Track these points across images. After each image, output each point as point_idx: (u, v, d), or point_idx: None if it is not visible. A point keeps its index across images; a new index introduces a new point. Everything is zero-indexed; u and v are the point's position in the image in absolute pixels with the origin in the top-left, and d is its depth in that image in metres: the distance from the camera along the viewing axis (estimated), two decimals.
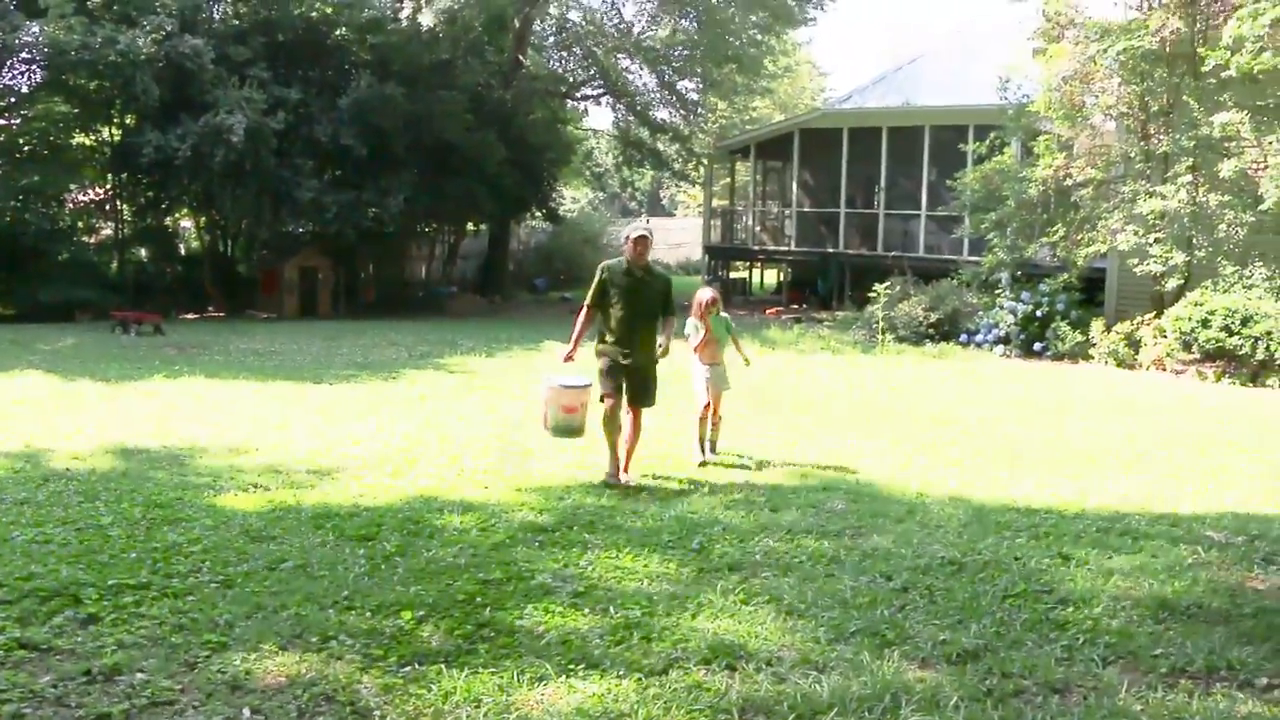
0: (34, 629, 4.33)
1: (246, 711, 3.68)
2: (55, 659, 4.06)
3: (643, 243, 7.84)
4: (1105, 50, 17.11)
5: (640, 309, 7.84)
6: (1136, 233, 17.16)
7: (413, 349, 18.15)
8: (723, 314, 9.31)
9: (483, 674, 4.00)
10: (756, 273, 35.69)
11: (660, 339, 7.95)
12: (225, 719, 3.61)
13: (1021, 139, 20.04)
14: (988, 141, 19.79)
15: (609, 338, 7.87)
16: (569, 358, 7.97)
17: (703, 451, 8.89)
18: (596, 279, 7.93)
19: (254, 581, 5.10)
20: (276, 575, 5.21)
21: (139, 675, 3.93)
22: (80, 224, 27.85)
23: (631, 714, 3.70)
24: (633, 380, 7.85)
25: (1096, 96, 18.43)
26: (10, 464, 7.69)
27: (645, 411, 8.09)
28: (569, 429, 8.09)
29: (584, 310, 8.03)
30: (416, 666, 4.09)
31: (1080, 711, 3.84)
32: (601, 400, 7.83)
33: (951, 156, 22.37)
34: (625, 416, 7.90)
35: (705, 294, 9.27)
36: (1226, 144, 16.24)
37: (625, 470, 7.89)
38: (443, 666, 4.07)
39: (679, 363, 9.46)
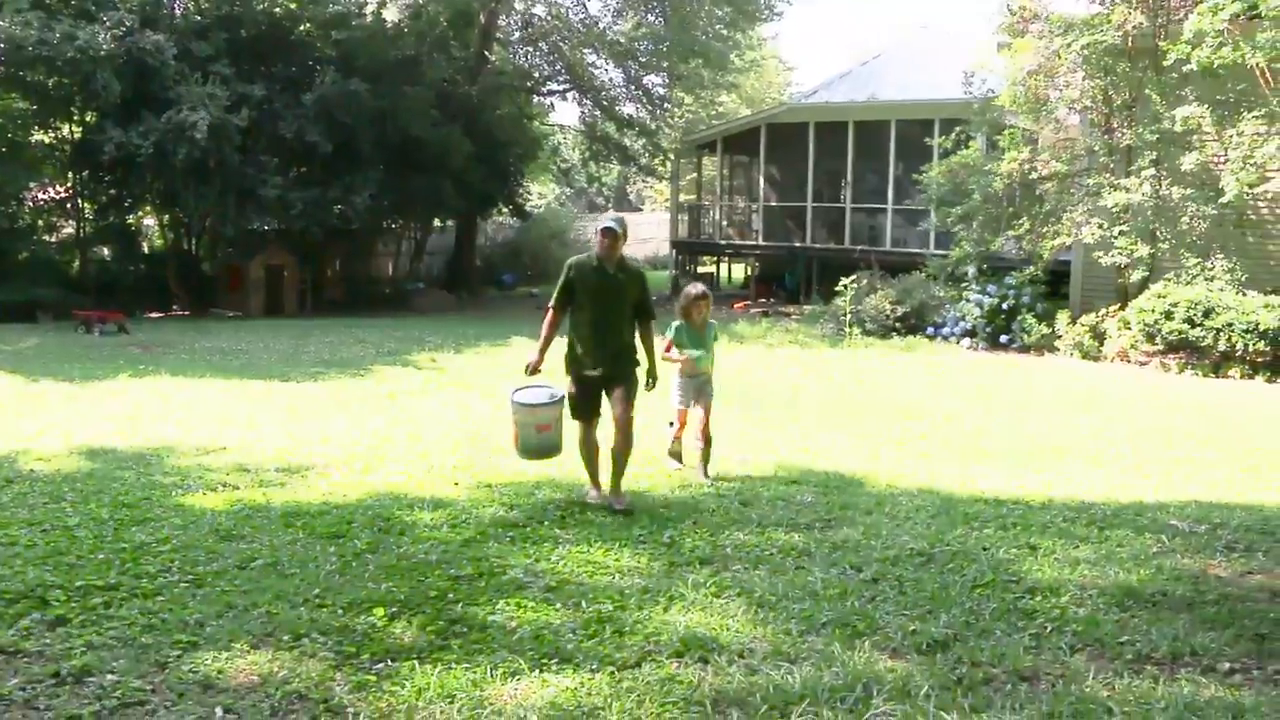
0: (1, 632, 4.29)
1: (219, 711, 3.66)
2: (23, 661, 4.02)
3: (612, 236, 6.83)
4: (1069, 44, 17.29)
5: (611, 312, 6.85)
6: (1101, 225, 17.35)
7: (380, 346, 18.08)
8: (711, 320, 8.22)
9: (455, 670, 4.00)
10: (724, 267, 35.76)
11: (639, 352, 6.99)
12: (198, 719, 3.59)
13: (986, 133, 20.22)
14: (953, 136, 19.94)
15: (577, 347, 6.91)
16: (534, 368, 6.87)
17: (677, 462, 8.27)
18: (562, 278, 6.96)
19: (224, 580, 5.07)
20: (247, 574, 5.19)
21: (109, 676, 3.90)
22: (40, 222, 27.52)
23: (605, 707, 3.71)
24: (609, 393, 6.90)
25: (1060, 90, 18.62)
26: None
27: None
28: (544, 449, 7.01)
29: (549, 313, 6.99)
30: (389, 663, 4.08)
31: (1049, 699, 3.88)
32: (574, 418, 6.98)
33: (917, 151, 22.52)
34: (605, 432, 7.00)
35: (694, 289, 8.24)
36: (1188, 138, 16.47)
37: (615, 490, 6.89)
38: (415, 663, 4.06)
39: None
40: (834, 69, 51.72)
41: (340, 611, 4.64)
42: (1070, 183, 18.63)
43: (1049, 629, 4.66)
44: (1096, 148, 18.07)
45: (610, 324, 6.87)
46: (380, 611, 4.62)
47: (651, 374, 7.03)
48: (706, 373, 8.06)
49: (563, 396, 6.96)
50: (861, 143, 25.76)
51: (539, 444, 6.95)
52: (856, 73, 29.76)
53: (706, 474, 7.90)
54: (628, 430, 6.86)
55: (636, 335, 7.00)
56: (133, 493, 6.93)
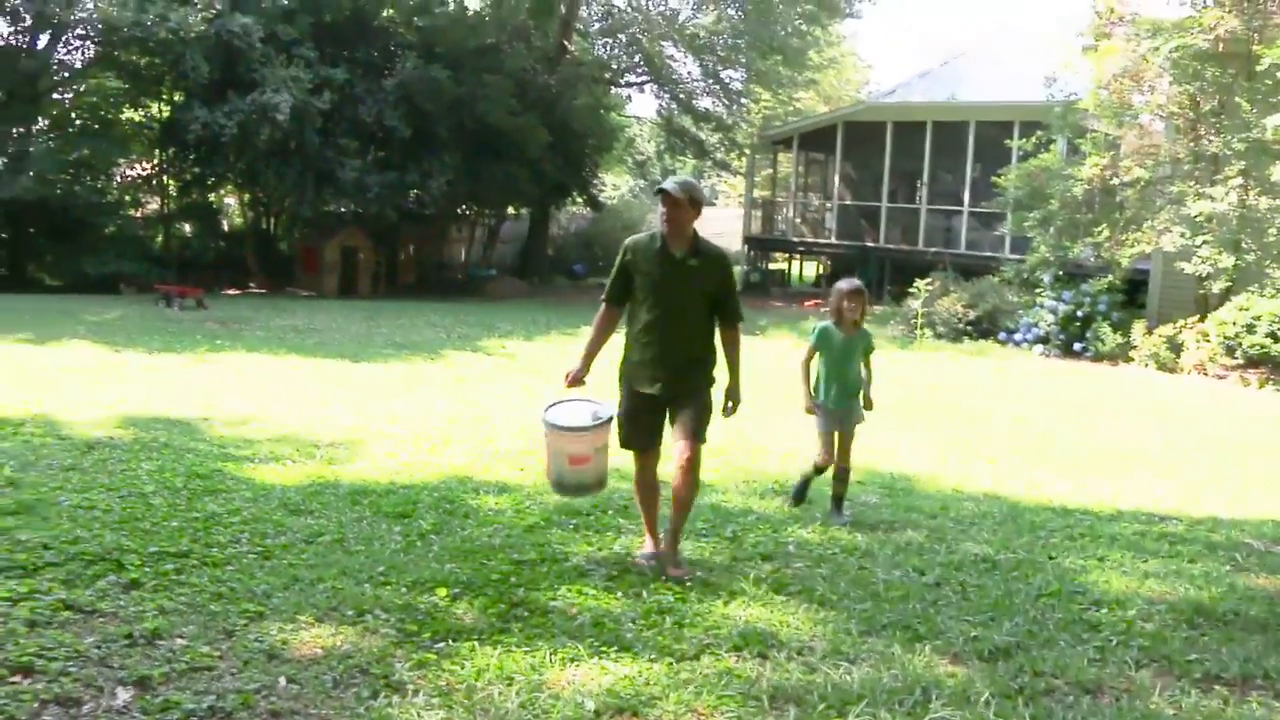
0: (79, 591, 4.40)
1: (283, 680, 3.72)
2: (99, 621, 4.13)
3: (671, 203, 5.13)
4: (1157, 48, 16.90)
5: (679, 309, 5.18)
6: (1183, 234, 16.97)
7: (451, 330, 18.25)
8: (865, 327, 6.76)
9: (515, 652, 4.03)
10: (796, 265, 35.59)
11: (713, 369, 5.32)
12: (262, 686, 3.66)
13: (1068, 137, 19.86)
14: (1033, 139, 19.62)
15: (633, 354, 5.31)
16: (576, 379, 5.27)
17: (801, 495, 6.80)
18: (617, 262, 5.33)
19: (291, 554, 5.16)
20: (313, 548, 5.27)
21: (179, 640, 3.99)
22: (128, 198, 28.20)
23: (662, 697, 3.72)
24: (673, 418, 5.27)
25: (1146, 95, 18.23)
26: (57, 431, 7.81)
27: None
28: (580, 485, 5.39)
29: (601, 311, 5.37)
30: (450, 643, 4.12)
31: (1112, 713, 3.82)
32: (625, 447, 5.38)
33: (996, 153, 22.21)
34: (670, 466, 5.28)
35: (847, 283, 6.66)
36: (1279, 147, 16.02)
37: (672, 548, 5.31)
38: (476, 644, 4.10)
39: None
40: (912, 68, 51.11)
41: (403, 590, 4.70)
42: (1153, 190, 18.24)
43: (1114, 642, 4.58)
44: (1182, 155, 17.67)
45: (677, 326, 5.17)
46: (443, 591, 4.67)
47: (733, 395, 5.32)
48: (856, 397, 6.61)
49: (610, 419, 5.31)
50: (939, 143, 25.46)
51: (574, 479, 5.30)
52: (935, 73, 29.42)
53: (841, 510, 6.62)
54: (691, 470, 5.18)
55: (717, 340, 5.37)
56: (206, 464, 7.07)
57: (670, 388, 5.19)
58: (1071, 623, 4.82)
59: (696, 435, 5.17)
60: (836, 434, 6.53)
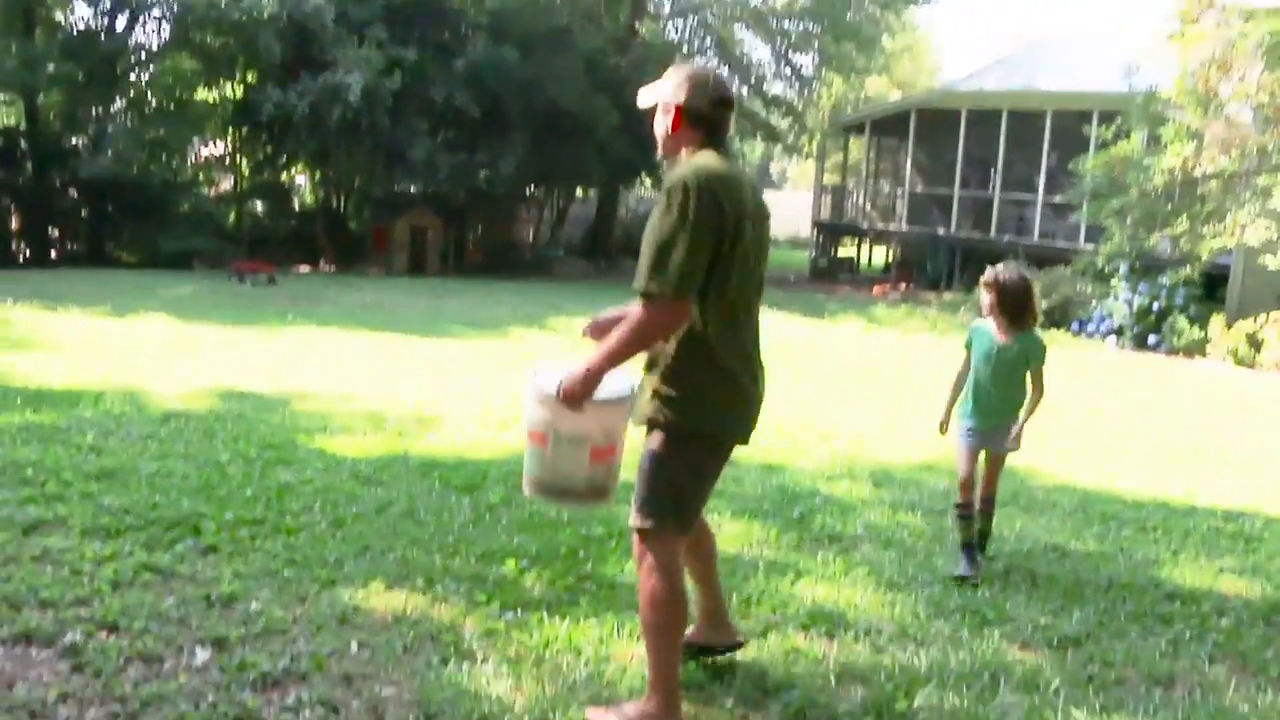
0: (159, 554, 4.51)
1: (354, 645, 3.78)
2: (177, 583, 4.23)
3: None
4: (1247, 35, 16.46)
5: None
6: (1268, 227, 16.55)
7: (518, 309, 18.37)
8: (1036, 331, 5.27)
9: (583, 624, 4.06)
10: (865, 251, 35.30)
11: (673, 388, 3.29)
12: (334, 650, 3.72)
13: (1148, 126, 19.43)
14: (1112, 127, 19.23)
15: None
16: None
17: (971, 560, 5.12)
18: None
19: (363, 523, 5.24)
20: (384, 518, 5.35)
21: (254, 604, 4.07)
22: (201, 176, 28.77)
23: (729, 672, 3.73)
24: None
25: (1234, 84, 17.76)
26: (135, 401, 8.00)
27: None
28: (594, 489, 3.51)
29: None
30: (518, 613, 4.16)
31: (1185, 706, 3.76)
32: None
33: (1072, 142, 21.82)
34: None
35: (1009, 272, 5.28)
36: None
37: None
38: (544, 615, 4.14)
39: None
40: (989, 55, 50.33)
41: (473, 560, 4.75)
42: (1237, 182, 17.79)
43: (1188, 636, 4.50)
44: (1270, 146, 17.21)
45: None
46: (512, 563, 4.71)
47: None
48: (1012, 415, 5.24)
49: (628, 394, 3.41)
50: (1014, 131, 25.07)
51: (588, 479, 3.45)
52: (1012, 60, 28.96)
53: (983, 548, 5.35)
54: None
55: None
56: (279, 434, 7.19)
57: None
58: (1143, 615, 4.74)
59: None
60: (981, 456, 5.29)
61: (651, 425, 3.31)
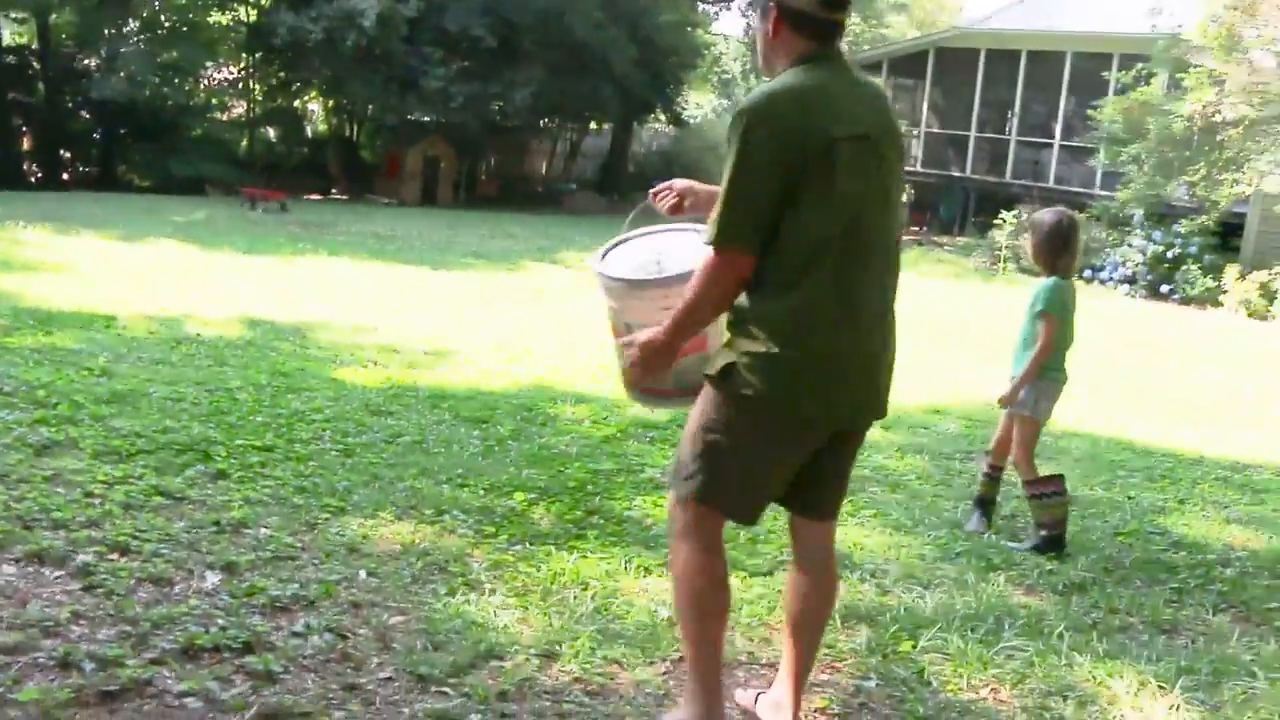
0: (169, 478, 4.53)
1: (363, 573, 3.81)
2: (188, 508, 4.25)
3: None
4: None
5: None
6: None
7: (530, 242, 18.30)
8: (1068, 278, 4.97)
9: (591, 558, 4.09)
10: None
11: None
12: (343, 578, 3.75)
13: (1169, 71, 19.15)
14: (1133, 72, 18.95)
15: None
16: (666, 200, 3.33)
17: (984, 516, 5.08)
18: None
19: (372, 453, 5.26)
20: (393, 448, 5.37)
21: (263, 530, 4.10)
22: (214, 101, 28.55)
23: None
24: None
25: (1259, 30, 17.47)
26: (147, 326, 8.00)
27: None
28: (662, 388, 3.14)
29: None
30: (526, 545, 4.19)
31: (1188, 654, 3.77)
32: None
33: (1091, 85, 21.52)
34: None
35: (1063, 214, 5.01)
36: None
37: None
38: (552, 548, 4.16)
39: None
40: None
41: (481, 492, 4.77)
42: (1258, 129, 17.57)
43: (1192, 585, 4.52)
44: None
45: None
46: (520, 496, 4.73)
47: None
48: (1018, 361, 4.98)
49: None
50: (1033, 73, 24.71)
51: (674, 375, 2.94)
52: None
53: (987, 514, 5.12)
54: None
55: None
56: (289, 363, 7.20)
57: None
58: (1149, 562, 4.76)
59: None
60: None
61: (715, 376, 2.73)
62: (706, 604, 2.82)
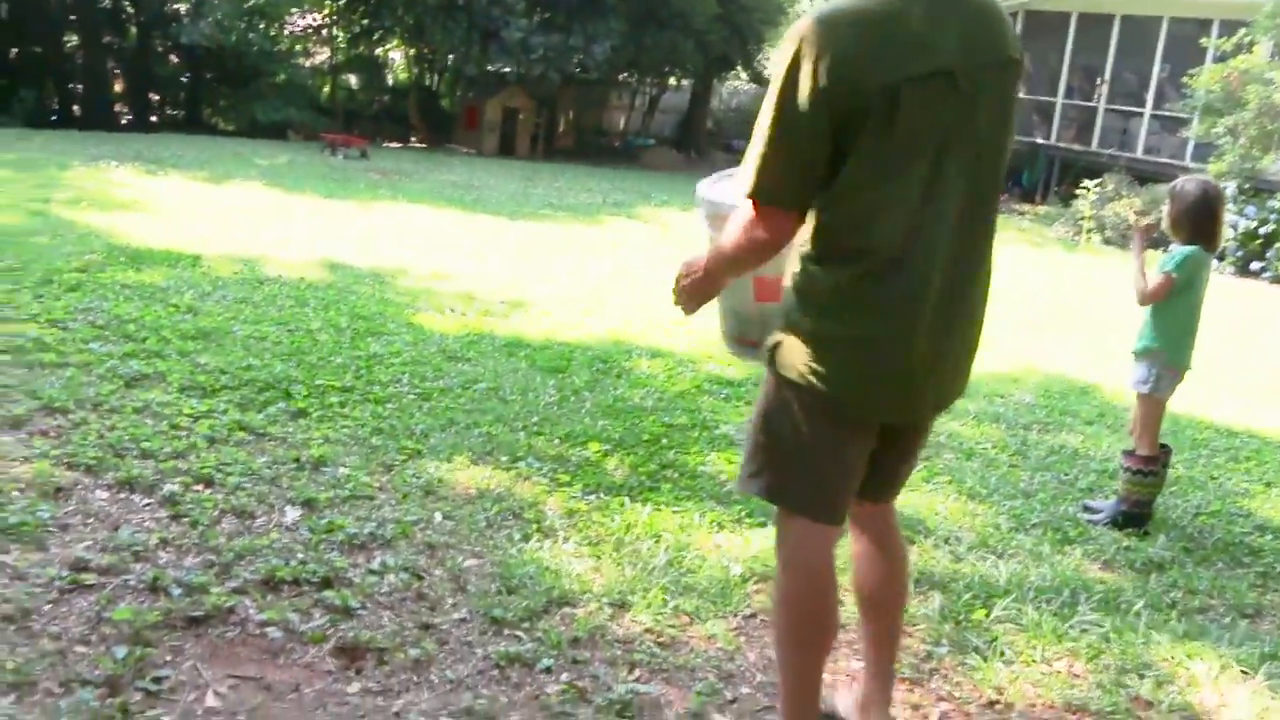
0: (251, 414, 4.62)
1: (438, 516, 3.86)
2: (269, 444, 4.34)
3: None
4: None
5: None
6: None
7: (607, 196, 18.26)
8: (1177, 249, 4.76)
9: (664, 511, 4.10)
10: None
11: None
12: (419, 519, 3.80)
13: (1274, 38, 18.49)
14: (1235, 38, 18.32)
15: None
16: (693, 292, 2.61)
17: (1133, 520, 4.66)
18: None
19: (449, 398, 5.31)
20: (470, 394, 5.41)
21: (342, 469, 4.17)
22: (298, 47, 28.78)
23: None
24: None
25: None
26: (231, 265, 8.13)
27: None
28: (749, 334, 3.13)
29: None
30: (601, 496, 4.21)
31: (1271, 640, 3.68)
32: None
33: (1187, 53, 20.85)
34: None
35: (1209, 184, 4.78)
36: None
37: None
38: (626, 499, 4.18)
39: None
40: None
41: (556, 441, 4.80)
42: None
43: (1278, 570, 4.41)
44: None
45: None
46: (595, 446, 4.75)
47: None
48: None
49: None
50: (1126, 39, 24.01)
51: (760, 320, 2.91)
52: None
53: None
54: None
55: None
56: (369, 306, 7.28)
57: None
58: (1231, 544, 4.65)
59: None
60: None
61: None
62: (806, 635, 2.52)
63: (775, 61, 2.20)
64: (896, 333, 2.26)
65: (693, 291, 2.55)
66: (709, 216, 3.01)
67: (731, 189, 2.75)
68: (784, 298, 2.38)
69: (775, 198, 2.24)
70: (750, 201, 2.27)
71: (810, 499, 2.43)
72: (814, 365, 2.29)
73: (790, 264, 2.37)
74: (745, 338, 3.00)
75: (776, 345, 2.37)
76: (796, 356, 2.32)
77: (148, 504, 3.62)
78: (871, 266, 2.22)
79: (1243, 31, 18.24)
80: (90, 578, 3.07)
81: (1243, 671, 3.37)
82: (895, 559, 2.76)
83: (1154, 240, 4.89)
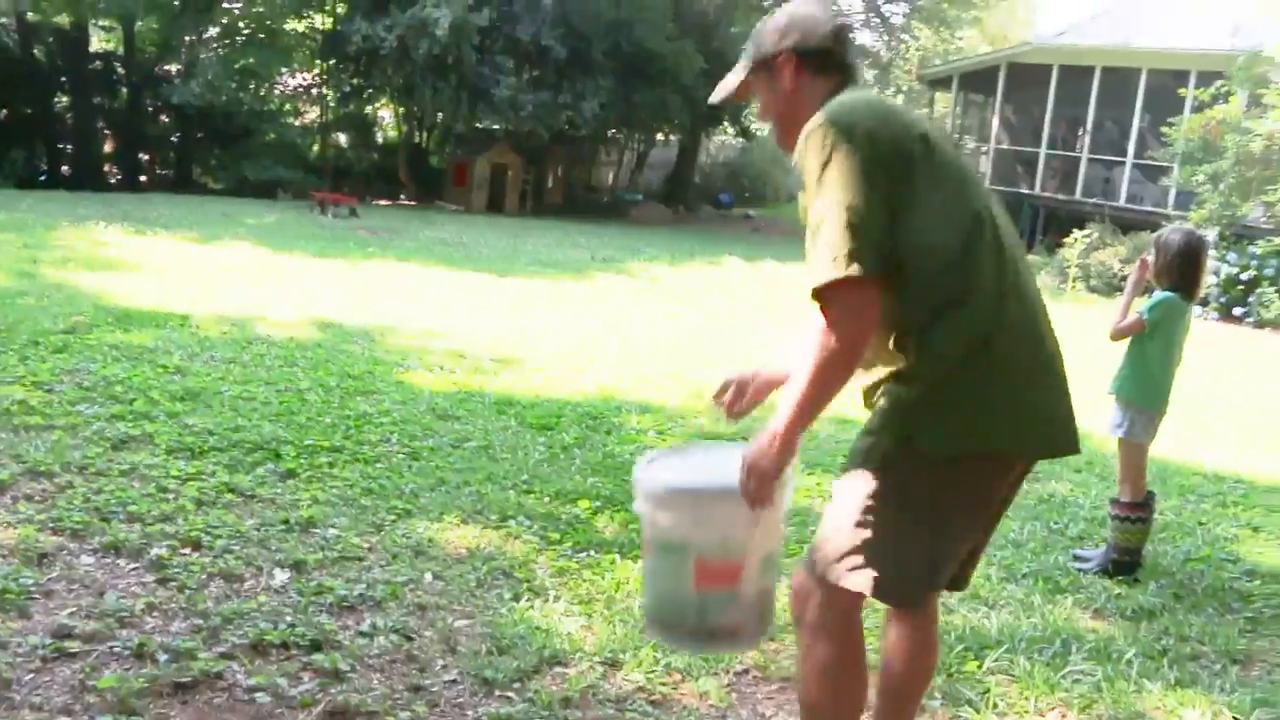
0: (240, 476, 4.62)
1: (429, 576, 3.85)
2: (258, 505, 4.33)
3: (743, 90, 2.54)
4: None
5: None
6: None
7: (596, 252, 18.36)
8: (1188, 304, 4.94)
9: None
10: None
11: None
12: (409, 580, 3.79)
13: (1249, 89, 18.77)
14: (1212, 89, 18.60)
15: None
16: (732, 405, 2.71)
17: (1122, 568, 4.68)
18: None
19: (439, 456, 5.31)
20: (460, 453, 5.41)
21: (331, 530, 4.16)
22: (288, 107, 29.07)
23: (789, 630, 3.73)
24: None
25: None
26: (220, 325, 8.15)
27: None
28: (680, 621, 2.48)
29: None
30: (591, 554, 4.20)
31: (1263, 686, 3.68)
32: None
33: (1167, 103, 21.15)
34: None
35: (1194, 233, 5.04)
36: None
37: None
38: (616, 556, 4.17)
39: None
40: (1085, 8, 48.82)
41: (546, 499, 4.80)
42: None
43: (1267, 615, 4.41)
44: None
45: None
46: (585, 504, 4.75)
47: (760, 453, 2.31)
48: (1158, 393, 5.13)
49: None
50: (1107, 89, 24.32)
51: (696, 608, 2.44)
52: (1108, 14, 28.03)
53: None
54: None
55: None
56: (358, 365, 7.29)
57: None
58: (1221, 590, 4.65)
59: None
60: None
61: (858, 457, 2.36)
62: (846, 702, 2.44)
63: (808, 158, 2.23)
64: (1042, 354, 2.31)
65: (780, 460, 2.27)
66: (641, 495, 2.48)
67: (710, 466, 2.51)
68: (893, 398, 2.31)
69: (864, 266, 2.13)
70: (834, 286, 2.15)
71: (915, 590, 2.41)
72: (977, 425, 2.23)
73: (886, 364, 2.32)
74: (672, 625, 2.54)
75: (905, 439, 2.27)
76: (951, 427, 2.23)
77: (134, 568, 3.60)
78: (982, 301, 2.22)
79: (1219, 83, 18.52)
80: (74, 645, 3.04)
81: (1235, 718, 3.36)
82: (935, 652, 2.67)
83: (1146, 288, 4.94)
